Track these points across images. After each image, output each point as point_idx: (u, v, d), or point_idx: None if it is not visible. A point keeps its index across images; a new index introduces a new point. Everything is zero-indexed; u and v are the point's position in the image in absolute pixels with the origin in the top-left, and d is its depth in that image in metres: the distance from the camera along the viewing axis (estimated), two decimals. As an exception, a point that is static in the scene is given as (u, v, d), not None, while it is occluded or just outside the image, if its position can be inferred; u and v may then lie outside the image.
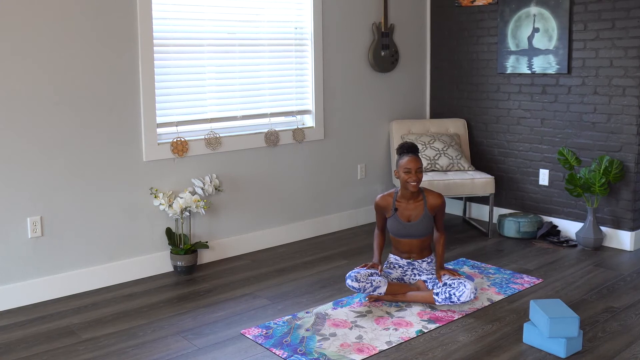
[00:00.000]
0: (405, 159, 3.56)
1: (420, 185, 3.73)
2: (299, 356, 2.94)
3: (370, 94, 5.27)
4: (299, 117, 4.85)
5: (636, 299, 3.62)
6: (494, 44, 5.20)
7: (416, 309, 3.49)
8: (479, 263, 4.27)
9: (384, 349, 3.02)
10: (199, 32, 4.22)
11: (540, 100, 4.94)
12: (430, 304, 3.53)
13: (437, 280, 3.53)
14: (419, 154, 3.66)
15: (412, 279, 3.69)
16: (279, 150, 4.71)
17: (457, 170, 4.99)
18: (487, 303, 3.57)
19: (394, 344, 3.07)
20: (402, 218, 3.63)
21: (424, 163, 4.94)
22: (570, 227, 4.85)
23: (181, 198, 4.04)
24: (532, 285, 3.86)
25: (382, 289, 3.52)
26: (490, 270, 4.12)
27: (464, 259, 4.36)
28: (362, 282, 3.49)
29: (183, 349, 3.06)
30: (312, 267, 4.27)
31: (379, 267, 3.60)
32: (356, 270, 3.56)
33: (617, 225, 4.60)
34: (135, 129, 3.98)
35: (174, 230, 4.18)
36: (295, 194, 4.86)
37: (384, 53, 5.25)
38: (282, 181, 4.76)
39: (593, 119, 4.64)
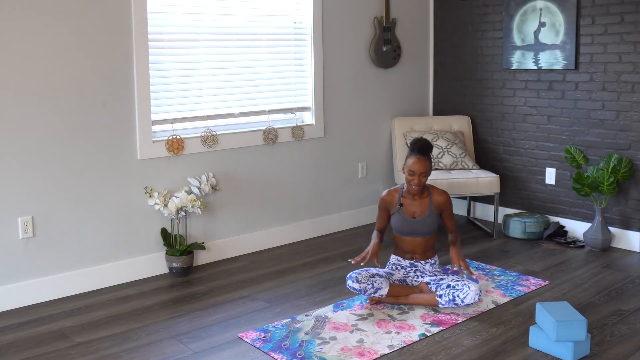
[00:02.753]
0: (413, 159, 3.54)
1: (427, 183, 3.72)
2: (298, 360, 2.94)
3: (372, 91, 5.27)
4: (298, 114, 4.84)
5: (645, 302, 3.62)
6: (499, 39, 5.19)
7: (419, 311, 3.49)
8: (483, 264, 4.27)
9: (386, 353, 3.02)
10: (195, 27, 4.22)
11: (546, 96, 4.93)
12: (434, 307, 3.52)
13: (440, 282, 3.52)
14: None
15: (415, 281, 3.69)
16: (278, 149, 4.71)
17: (461, 169, 4.99)
18: (492, 306, 3.57)
19: (396, 348, 3.06)
20: (406, 214, 3.63)
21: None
22: (577, 228, 4.85)
23: (177, 197, 4.04)
24: (538, 287, 3.86)
25: (384, 291, 3.51)
26: (495, 272, 4.12)
27: (469, 260, 4.36)
28: (363, 283, 3.48)
29: (179, 353, 3.06)
30: (311, 268, 4.27)
31: (377, 247, 3.58)
32: (357, 271, 3.56)
33: (626, 225, 4.59)
34: (129, 126, 3.97)
35: (169, 230, 4.18)
36: (294, 194, 4.86)
37: (386, 48, 5.25)
38: (280, 180, 4.76)
39: (601, 116, 4.63)
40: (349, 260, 3.61)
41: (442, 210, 3.66)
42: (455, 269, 3.49)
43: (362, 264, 3.59)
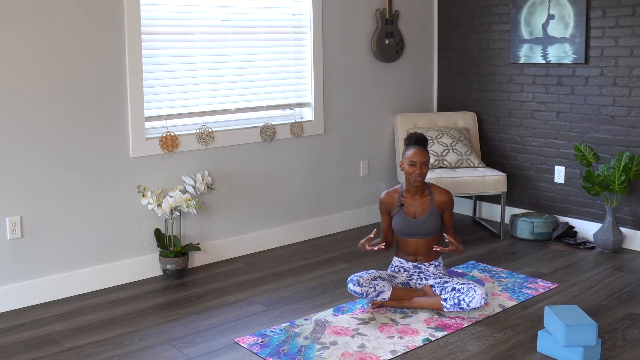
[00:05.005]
0: (411, 151, 3.58)
1: (428, 182, 3.74)
2: (297, 366, 2.94)
3: (374, 86, 5.27)
4: (297, 110, 4.84)
5: (658, 305, 3.62)
6: (506, 32, 5.19)
7: (423, 315, 3.49)
8: (490, 266, 4.27)
9: (389, 358, 3.02)
10: (190, 19, 4.21)
11: (555, 92, 4.93)
12: (438, 310, 3.52)
13: (445, 285, 3.52)
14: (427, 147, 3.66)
15: (419, 284, 3.69)
16: (276, 146, 4.70)
17: (466, 167, 4.99)
18: (498, 309, 3.57)
19: (398, 354, 3.06)
20: (407, 214, 3.64)
21: (431, 159, 4.93)
22: (587, 228, 4.84)
23: (171, 197, 4.03)
24: (546, 290, 3.86)
25: (386, 294, 3.51)
26: (502, 274, 4.12)
27: (474, 262, 4.36)
28: (365, 286, 3.48)
29: (173, 358, 3.05)
30: (311, 270, 4.27)
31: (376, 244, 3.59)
32: (359, 274, 3.55)
33: (638, 225, 4.59)
34: (122, 122, 3.97)
35: (163, 231, 4.17)
36: (293, 193, 4.86)
37: (388, 41, 5.24)
38: (279, 179, 4.75)
39: (612, 112, 4.63)
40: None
41: (443, 210, 3.66)
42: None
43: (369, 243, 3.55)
